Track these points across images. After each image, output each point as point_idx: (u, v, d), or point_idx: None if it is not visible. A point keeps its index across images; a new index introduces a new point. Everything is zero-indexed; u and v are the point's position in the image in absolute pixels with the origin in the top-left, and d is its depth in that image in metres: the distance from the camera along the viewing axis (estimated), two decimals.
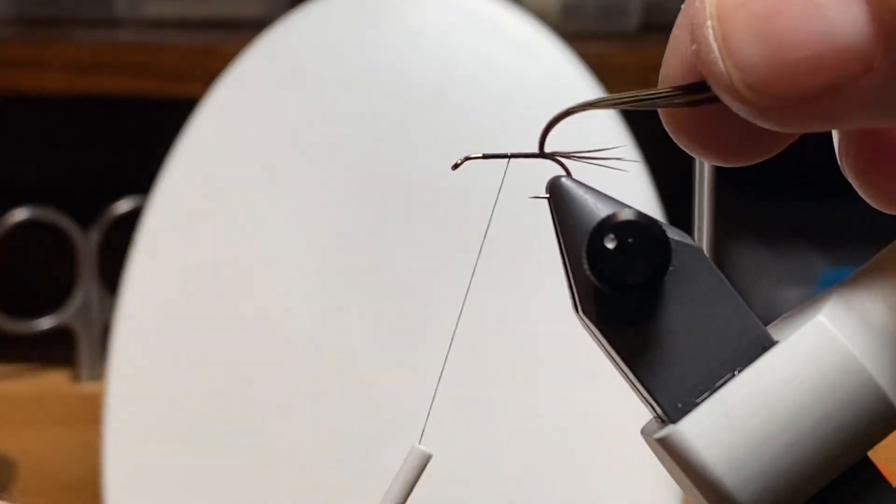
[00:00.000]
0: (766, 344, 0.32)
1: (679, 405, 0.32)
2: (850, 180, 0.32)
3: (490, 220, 0.38)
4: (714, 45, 0.28)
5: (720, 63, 0.28)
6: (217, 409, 0.76)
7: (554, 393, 0.74)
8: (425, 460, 0.36)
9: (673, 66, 0.30)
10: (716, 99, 0.28)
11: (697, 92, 0.30)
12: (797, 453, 0.31)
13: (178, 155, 0.77)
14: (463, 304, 0.38)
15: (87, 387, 0.93)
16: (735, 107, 0.28)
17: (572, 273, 0.33)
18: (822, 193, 1.06)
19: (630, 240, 0.32)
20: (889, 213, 0.33)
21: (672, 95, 0.30)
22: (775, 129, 0.28)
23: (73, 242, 0.93)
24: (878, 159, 0.32)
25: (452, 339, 0.38)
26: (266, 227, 0.76)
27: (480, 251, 0.36)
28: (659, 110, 0.31)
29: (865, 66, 0.27)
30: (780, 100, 0.27)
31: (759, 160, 0.31)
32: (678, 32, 0.30)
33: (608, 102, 0.33)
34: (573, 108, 0.32)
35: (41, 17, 0.95)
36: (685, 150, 0.31)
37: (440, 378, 0.38)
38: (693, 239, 0.33)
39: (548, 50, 0.76)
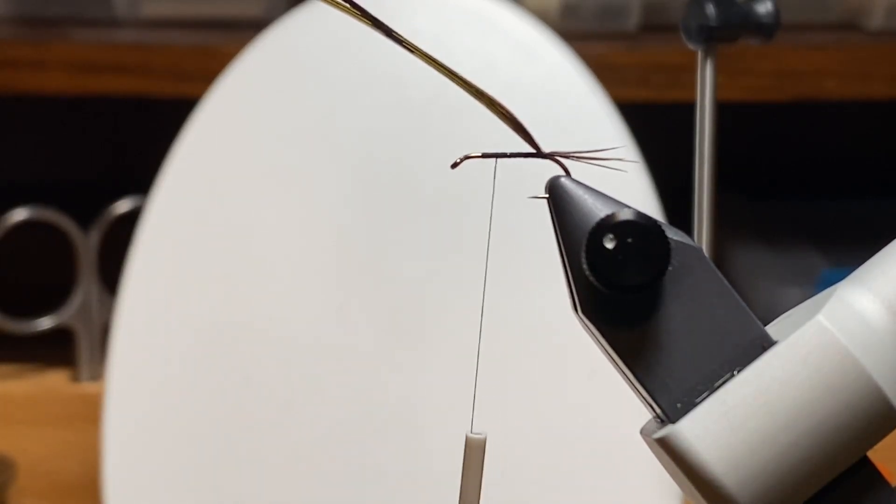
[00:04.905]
0: (766, 344, 0.33)
1: (679, 405, 0.32)
2: None
3: (490, 221, 0.38)
4: None
5: None
6: (217, 408, 0.76)
7: (553, 392, 0.74)
8: (482, 445, 0.36)
9: None
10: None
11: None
12: (797, 453, 0.31)
13: (178, 155, 0.77)
14: (483, 304, 0.38)
15: (86, 387, 0.93)
16: None
17: (572, 273, 0.33)
18: (822, 193, 1.06)
19: (629, 240, 0.32)
20: None
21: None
22: None
23: (73, 242, 0.93)
24: None
25: (480, 336, 0.38)
26: (266, 227, 0.76)
27: (488, 252, 0.36)
28: None
29: None
30: None
31: None
32: None
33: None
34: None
35: (41, 17, 0.95)
36: None
37: (476, 373, 0.38)
38: (693, 239, 0.33)
39: (548, 50, 0.76)
